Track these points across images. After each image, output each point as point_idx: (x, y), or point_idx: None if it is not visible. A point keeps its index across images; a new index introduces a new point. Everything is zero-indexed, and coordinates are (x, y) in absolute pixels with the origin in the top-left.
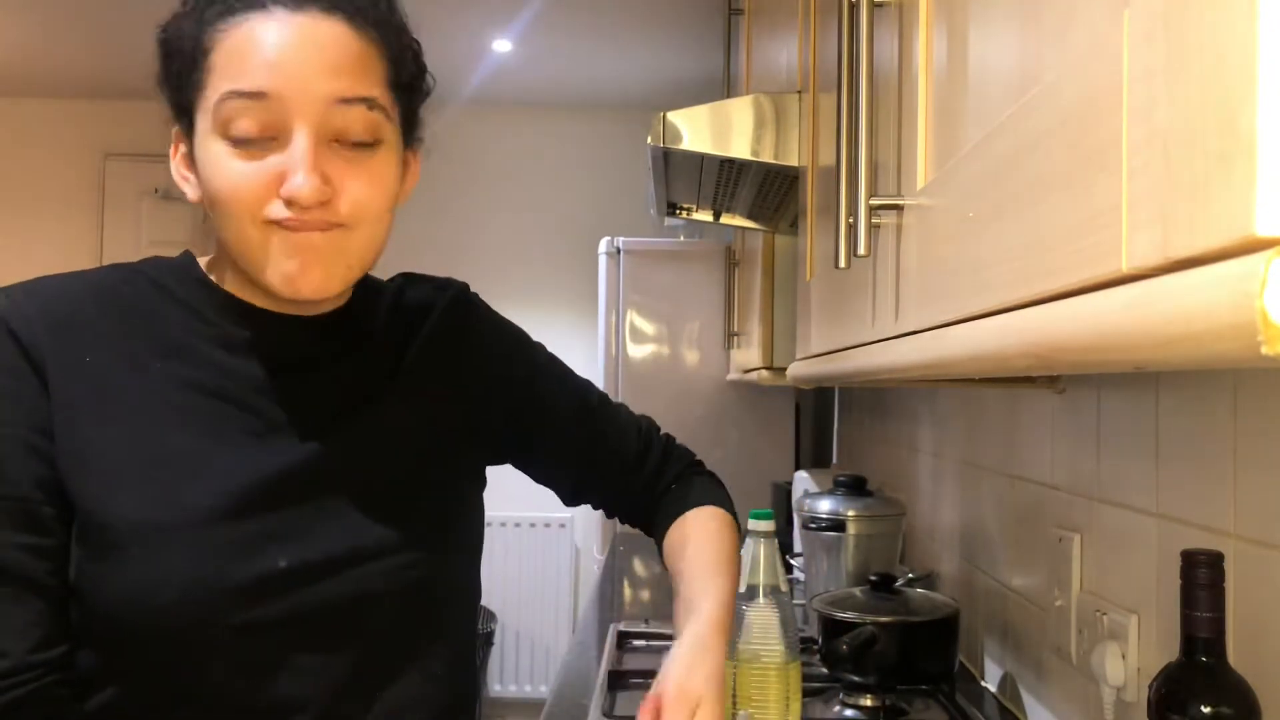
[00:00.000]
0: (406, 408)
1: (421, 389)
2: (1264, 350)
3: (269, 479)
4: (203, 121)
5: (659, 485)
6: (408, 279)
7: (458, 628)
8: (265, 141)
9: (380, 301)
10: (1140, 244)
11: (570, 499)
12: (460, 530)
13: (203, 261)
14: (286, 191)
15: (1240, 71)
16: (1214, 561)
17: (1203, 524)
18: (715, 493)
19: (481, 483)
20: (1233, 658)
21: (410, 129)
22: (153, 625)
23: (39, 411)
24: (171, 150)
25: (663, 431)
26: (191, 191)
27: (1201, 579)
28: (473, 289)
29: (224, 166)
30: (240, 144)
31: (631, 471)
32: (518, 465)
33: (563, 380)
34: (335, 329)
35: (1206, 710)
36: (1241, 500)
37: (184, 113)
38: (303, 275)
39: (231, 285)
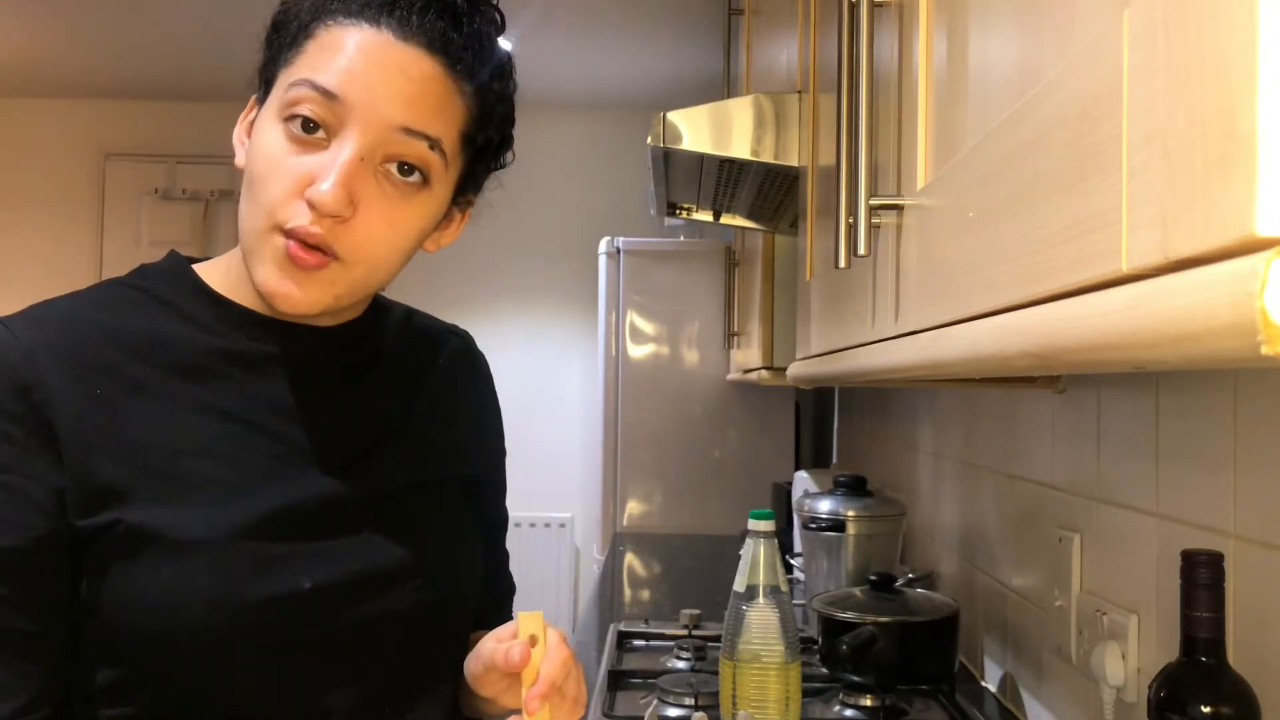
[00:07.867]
0: (419, 438)
1: (430, 422)
2: (1264, 350)
3: (293, 505)
4: (272, 99)
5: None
6: (414, 310)
7: (465, 650)
8: (317, 140)
9: (389, 320)
10: (1140, 244)
11: None
12: (466, 559)
13: (203, 266)
14: (310, 194)
15: (1240, 72)
16: (1214, 561)
17: (1203, 524)
18: None
19: (475, 522)
20: (1233, 658)
21: (466, 187)
22: (180, 642)
23: (36, 456)
24: (244, 113)
25: None
26: (240, 156)
27: (1201, 579)
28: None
29: (271, 145)
30: (293, 129)
31: (497, 602)
32: None
33: (503, 486)
34: (349, 342)
35: (1206, 710)
36: (1241, 500)
37: (265, 84)
38: (283, 294)
39: (241, 288)
